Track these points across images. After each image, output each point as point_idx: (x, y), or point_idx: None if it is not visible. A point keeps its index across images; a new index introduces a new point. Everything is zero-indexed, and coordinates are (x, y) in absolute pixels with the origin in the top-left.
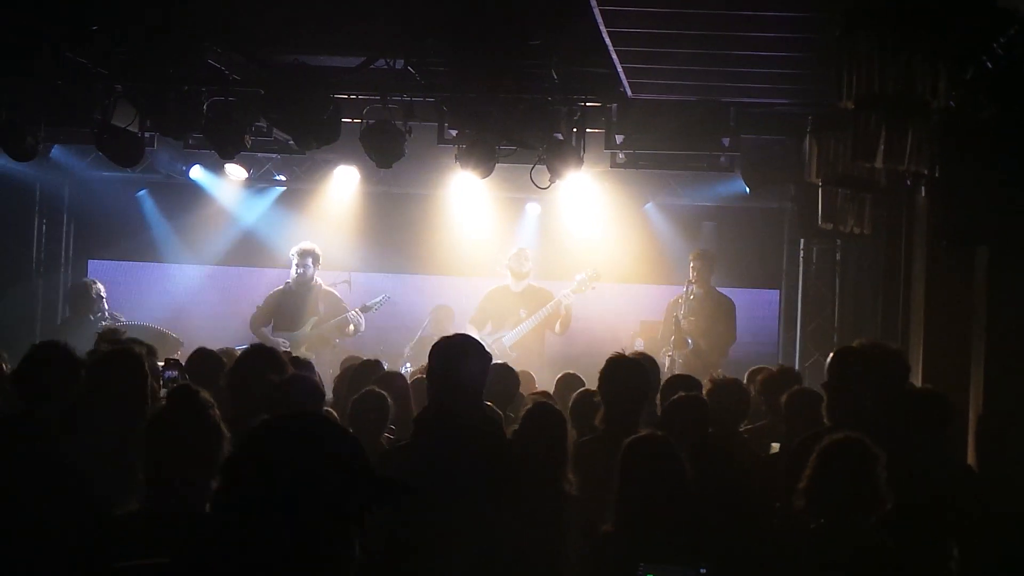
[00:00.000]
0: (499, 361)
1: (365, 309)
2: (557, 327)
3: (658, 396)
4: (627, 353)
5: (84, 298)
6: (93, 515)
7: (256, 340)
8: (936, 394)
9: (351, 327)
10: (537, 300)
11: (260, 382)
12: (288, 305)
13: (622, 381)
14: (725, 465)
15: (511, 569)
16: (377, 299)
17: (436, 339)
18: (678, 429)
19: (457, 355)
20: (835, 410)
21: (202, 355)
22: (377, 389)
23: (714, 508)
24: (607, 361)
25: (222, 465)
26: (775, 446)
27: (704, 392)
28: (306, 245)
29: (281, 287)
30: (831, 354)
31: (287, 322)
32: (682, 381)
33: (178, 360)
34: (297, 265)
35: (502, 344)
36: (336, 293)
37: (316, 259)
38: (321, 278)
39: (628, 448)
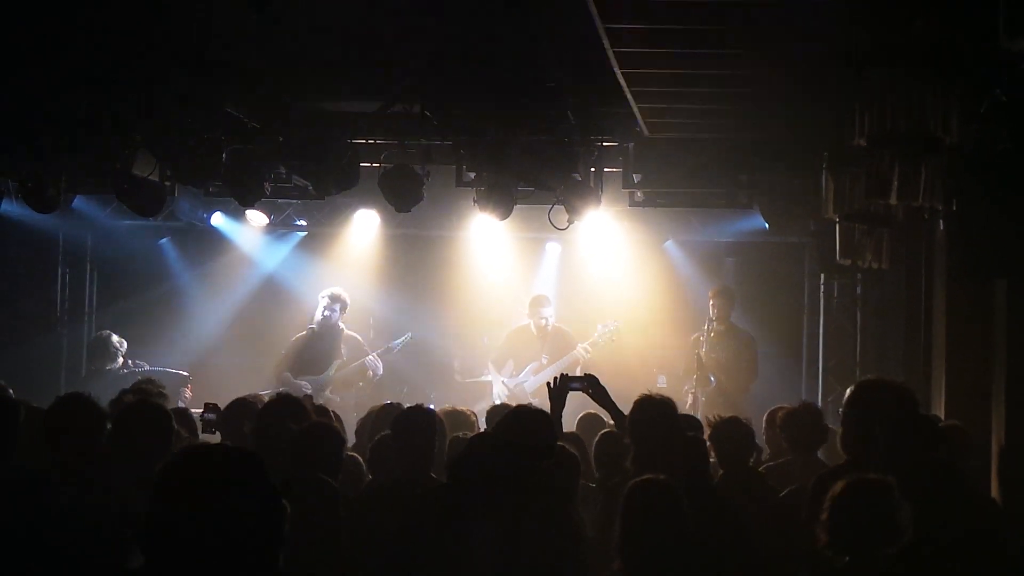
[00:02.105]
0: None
1: (388, 350)
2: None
3: None
4: (656, 388)
5: (102, 350)
6: (108, 568)
7: (280, 386)
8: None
9: (370, 372)
10: (559, 345)
11: (283, 430)
12: (312, 349)
13: (651, 422)
14: (724, 506)
15: None
16: (400, 339)
17: None
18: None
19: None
20: (849, 442)
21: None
22: None
23: (717, 549)
24: (635, 402)
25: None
26: None
27: (706, 435)
28: (335, 290)
29: (304, 332)
30: (851, 387)
31: (311, 366)
32: (684, 422)
33: (216, 404)
34: (325, 308)
35: (524, 390)
36: (359, 337)
37: (344, 305)
38: (344, 324)
39: (630, 491)
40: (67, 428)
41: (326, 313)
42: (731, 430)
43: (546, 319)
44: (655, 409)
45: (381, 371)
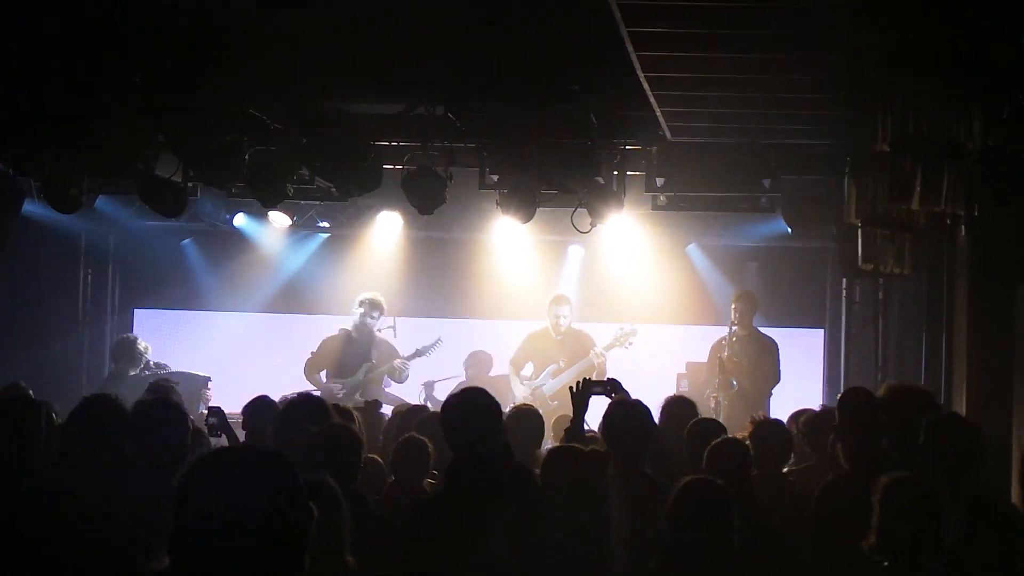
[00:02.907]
0: (533, 406)
1: (418, 353)
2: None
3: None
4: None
5: (128, 354)
6: (130, 569)
7: (314, 388)
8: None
9: (406, 373)
10: (577, 348)
11: (302, 432)
12: (347, 352)
13: (623, 425)
14: (764, 509)
15: None
16: (430, 342)
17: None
18: (720, 473)
19: (468, 409)
20: (849, 453)
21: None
22: (417, 435)
23: (752, 552)
24: (608, 406)
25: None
26: None
27: (746, 434)
28: (373, 296)
29: (338, 334)
30: (838, 397)
31: (343, 369)
32: (708, 425)
33: (219, 408)
34: (364, 314)
35: (542, 393)
36: (390, 342)
37: (381, 311)
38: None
39: (683, 489)
40: (91, 429)
41: (367, 320)
42: (772, 433)
43: (562, 317)
44: (625, 411)
45: (409, 375)
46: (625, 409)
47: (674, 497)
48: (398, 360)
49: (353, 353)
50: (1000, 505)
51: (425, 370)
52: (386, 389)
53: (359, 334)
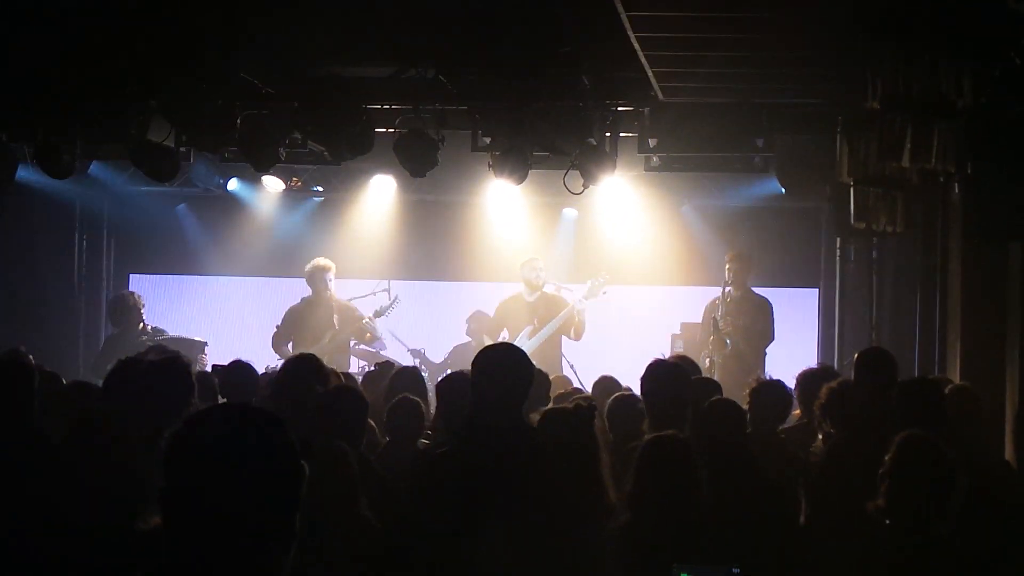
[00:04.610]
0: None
1: (377, 314)
2: (572, 334)
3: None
4: (666, 356)
5: (126, 311)
6: (116, 529)
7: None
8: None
9: (367, 335)
10: (549, 309)
11: (305, 393)
12: (307, 320)
13: (664, 386)
14: (756, 468)
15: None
16: (388, 303)
17: (472, 345)
18: (712, 433)
19: (501, 365)
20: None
21: (236, 367)
22: (411, 396)
23: (741, 510)
24: (648, 367)
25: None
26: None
27: (748, 392)
28: (321, 261)
29: (299, 303)
30: (856, 356)
31: (306, 337)
32: (704, 384)
33: (223, 366)
34: (315, 280)
35: None
36: (353, 305)
37: (332, 271)
38: (357, 286)
39: (644, 446)
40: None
41: (319, 286)
42: (772, 393)
43: (540, 271)
44: (665, 372)
45: (380, 336)
46: (667, 370)
47: (639, 454)
48: (365, 321)
49: (317, 320)
50: (992, 464)
51: (418, 335)
52: (354, 346)
53: (320, 299)
